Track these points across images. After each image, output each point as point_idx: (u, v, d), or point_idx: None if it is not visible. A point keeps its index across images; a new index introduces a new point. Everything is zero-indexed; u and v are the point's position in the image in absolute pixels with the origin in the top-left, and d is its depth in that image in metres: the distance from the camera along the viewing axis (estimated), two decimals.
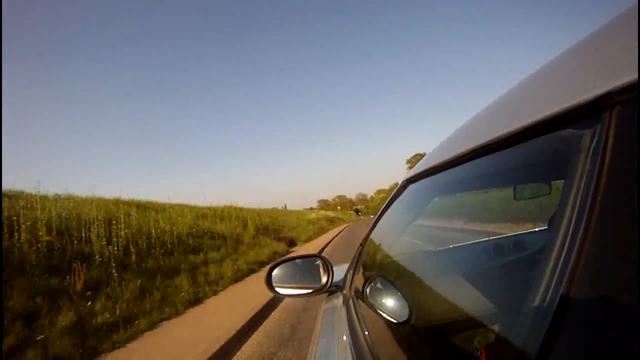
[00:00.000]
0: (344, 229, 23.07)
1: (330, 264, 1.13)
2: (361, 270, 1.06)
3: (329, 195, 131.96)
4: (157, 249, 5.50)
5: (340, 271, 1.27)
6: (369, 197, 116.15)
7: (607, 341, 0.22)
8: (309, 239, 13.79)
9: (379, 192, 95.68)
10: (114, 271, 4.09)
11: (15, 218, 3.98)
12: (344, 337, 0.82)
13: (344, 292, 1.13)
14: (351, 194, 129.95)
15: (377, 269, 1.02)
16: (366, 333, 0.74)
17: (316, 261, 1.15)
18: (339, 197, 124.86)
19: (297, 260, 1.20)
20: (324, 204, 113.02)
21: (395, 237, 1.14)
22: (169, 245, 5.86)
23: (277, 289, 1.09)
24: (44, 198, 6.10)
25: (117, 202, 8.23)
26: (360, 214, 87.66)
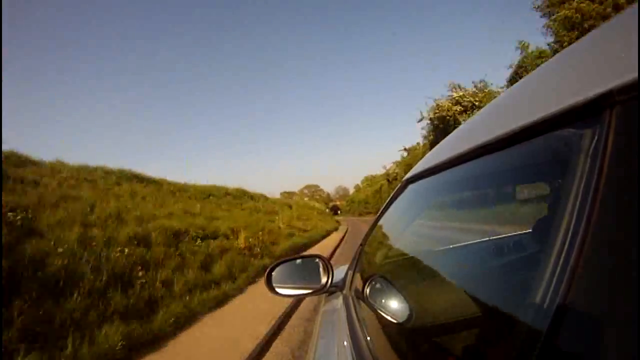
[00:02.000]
0: None
1: (330, 264, 1.13)
2: (361, 270, 1.06)
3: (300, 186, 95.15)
4: None
5: (340, 271, 1.27)
6: (352, 190, 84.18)
7: (607, 341, 0.22)
8: None
9: (369, 180, 60.18)
10: None
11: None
12: (344, 338, 0.82)
13: (344, 292, 1.13)
14: (329, 188, 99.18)
15: (377, 269, 1.02)
16: (366, 334, 0.74)
17: (316, 261, 1.15)
18: (309, 187, 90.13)
19: (297, 261, 1.20)
20: (289, 197, 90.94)
21: (395, 237, 1.14)
22: None
23: (277, 289, 1.09)
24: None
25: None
26: (340, 212, 68.16)
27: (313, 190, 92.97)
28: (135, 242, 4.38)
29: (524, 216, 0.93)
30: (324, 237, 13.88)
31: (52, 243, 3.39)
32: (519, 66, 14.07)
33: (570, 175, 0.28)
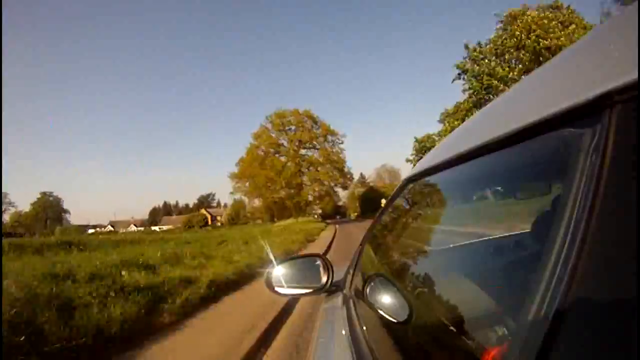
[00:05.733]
0: None
1: (330, 263, 1.13)
2: (361, 269, 1.06)
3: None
4: None
5: (340, 271, 1.27)
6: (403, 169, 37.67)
7: (607, 341, 0.22)
8: None
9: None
10: None
11: None
12: (344, 337, 0.82)
13: (344, 291, 1.13)
14: (365, 170, 64.06)
15: (377, 268, 1.02)
16: (366, 333, 0.74)
17: (316, 261, 1.15)
18: (282, 116, 36.05)
19: (297, 260, 1.20)
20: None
21: (395, 236, 1.14)
22: None
23: (277, 289, 1.09)
24: None
25: None
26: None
27: (299, 126, 35.91)
28: None
29: (524, 216, 0.93)
30: None
31: None
32: None
33: (570, 175, 0.28)
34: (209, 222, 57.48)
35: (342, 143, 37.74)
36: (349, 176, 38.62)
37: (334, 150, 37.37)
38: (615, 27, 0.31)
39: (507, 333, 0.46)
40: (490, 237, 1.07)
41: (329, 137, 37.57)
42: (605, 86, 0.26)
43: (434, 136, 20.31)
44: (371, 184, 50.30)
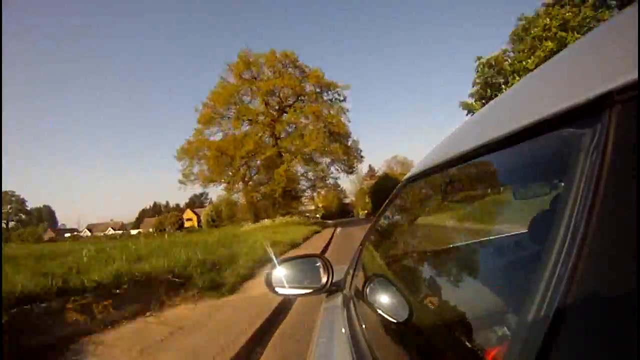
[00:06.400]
0: None
1: (330, 264, 1.14)
2: (361, 270, 1.06)
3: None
4: None
5: (340, 271, 1.27)
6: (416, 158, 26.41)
7: (607, 341, 0.22)
8: None
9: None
10: None
11: None
12: (344, 337, 0.82)
13: (344, 292, 1.13)
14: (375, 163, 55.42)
15: (377, 268, 1.02)
16: (366, 333, 0.74)
17: (316, 261, 1.15)
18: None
19: (297, 260, 1.20)
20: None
21: (395, 236, 1.14)
22: None
23: (277, 289, 1.09)
24: None
25: None
26: None
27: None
28: None
29: (524, 216, 0.93)
30: None
31: None
32: None
33: (570, 175, 0.28)
34: (195, 224, 49.74)
35: (343, 100, 22.72)
36: (355, 153, 23.32)
37: (330, 111, 21.98)
38: (615, 27, 0.31)
39: (507, 333, 0.46)
40: (490, 237, 1.07)
41: (324, 95, 22.50)
42: (605, 86, 0.26)
43: (512, 52, 12.22)
44: (386, 173, 39.36)
